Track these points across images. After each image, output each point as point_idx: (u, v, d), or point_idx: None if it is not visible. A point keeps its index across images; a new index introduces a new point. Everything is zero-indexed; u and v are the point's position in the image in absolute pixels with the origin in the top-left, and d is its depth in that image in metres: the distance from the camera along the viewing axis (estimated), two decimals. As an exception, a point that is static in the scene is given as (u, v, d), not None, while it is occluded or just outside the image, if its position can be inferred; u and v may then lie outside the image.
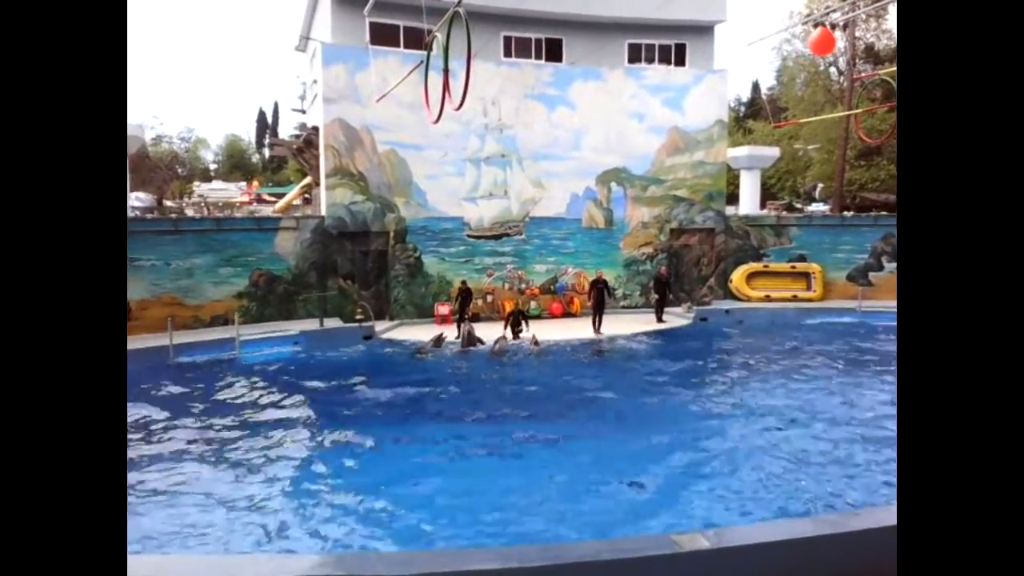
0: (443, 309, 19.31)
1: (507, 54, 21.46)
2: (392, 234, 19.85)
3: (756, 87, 54.03)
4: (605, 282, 18.96)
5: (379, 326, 18.30)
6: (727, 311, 20.85)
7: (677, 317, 20.21)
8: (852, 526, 6.03)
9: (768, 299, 21.83)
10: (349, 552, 6.50)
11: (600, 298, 18.34)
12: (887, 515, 6.30)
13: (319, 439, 10.05)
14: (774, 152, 34.48)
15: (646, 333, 18.26)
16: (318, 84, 20.71)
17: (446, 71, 8.73)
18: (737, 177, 33.34)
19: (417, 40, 18.74)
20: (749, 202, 31.67)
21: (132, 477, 8.13)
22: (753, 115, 48.58)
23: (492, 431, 10.29)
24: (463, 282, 18.57)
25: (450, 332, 17.44)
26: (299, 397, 12.34)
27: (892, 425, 9.95)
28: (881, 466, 8.63)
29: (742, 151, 32.49)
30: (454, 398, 12.46)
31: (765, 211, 32.54)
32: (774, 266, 22.69)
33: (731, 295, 22.34)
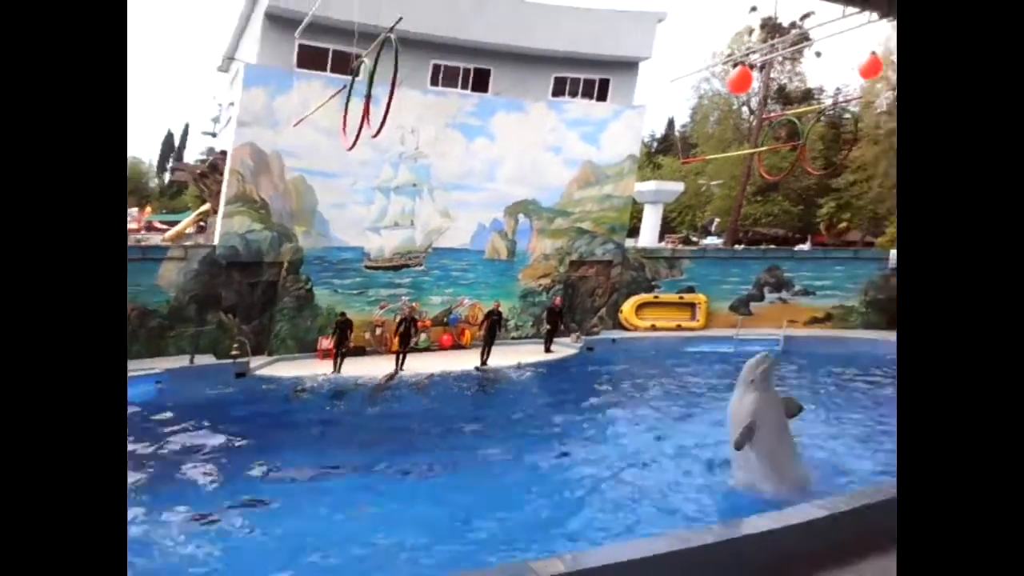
0: (326, 343, 18.67)
1: (434, 82, 20.92)
2: (286, 265, 19.15)
3: (671, 123, 56.05)
4: (500, 313, 19.28)
5: (255, 362, 17.55)
6: (613, 340, 21.70)
7: (565, 347, 20.85)
8: (702, 540, 6.50)
9: (654, 328, 22.82)
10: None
11: (492, 330, 18.66)
12: (739, 528, 6.69)
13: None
14: (679, 187, 35.82)
15: (530, 364, 18.77)
16: (234, 106, 20.01)
17: (368, 97, 8.56)
18: (641, 210, 34.64)
19: (345, 64, 17.96)
20: (649, 235, 32.64)
21: None
22: (664, 150, 50.27)
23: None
24: (342, 313, 18.03)
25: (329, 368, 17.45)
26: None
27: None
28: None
29: (649, 186, 33.51)
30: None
31: (662, 244, 33.81)
32: (663, 297, 23.64)
33: (620, 325, 23.15)
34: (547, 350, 20.31)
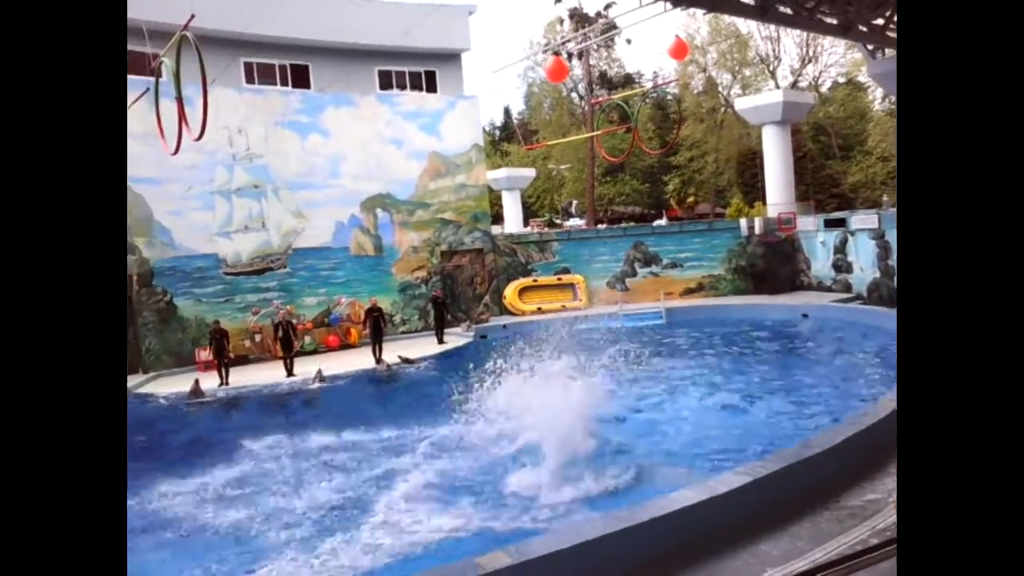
0: (204, 354, 17.56)
1: (250, 80, 20.36)
2: (136, 278, 17.89)
3: (508, 112, 56.73)
4: (380, 310, 18.45)
5: (131, 381, 16.38)
6: (504, 326, 21.30)
7: (458, 337, 20.19)
8: (636, 519, 6.15)
9: (540, 311, 22.65)
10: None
11: (376, 326, 17.80)
12: (671, 502, 6.47)
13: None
14: (530, 173, 36.26)
15: (424, 357, 17.84)
16: (25, 116, 18.06)
17: (179, 99, 8.13)
18: (500, 198, 34.58)
19: (142, 65, 17.01)
20: (513, 221, 32.95)
21: None
22: (508, 138, 50.91)
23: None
24: (216, 321, 17.03)
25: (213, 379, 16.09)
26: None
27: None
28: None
29: (501, 173, 33.80)
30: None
31: (528, 229, 34.07)
32: (542, 280, 23.66)
33: (506, 311, 22.88)
34: (440, 341, 19.49)
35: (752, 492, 6.71)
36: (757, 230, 24.27)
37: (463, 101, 22.94)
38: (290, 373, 16.39)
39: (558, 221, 41.84)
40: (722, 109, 40.35)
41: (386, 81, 22.45)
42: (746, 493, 6.66)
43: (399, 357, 17.33)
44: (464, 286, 22.73)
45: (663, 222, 34.21)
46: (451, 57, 23.28)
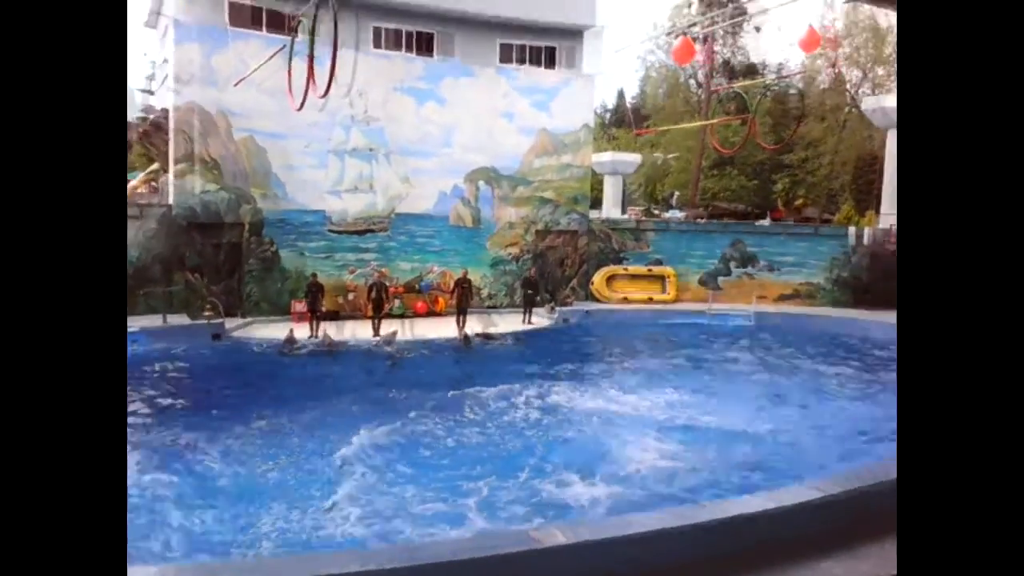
0: (300, 306, 18.36)
1: (377, 45, 20.92)
2: (247, 226, 18.87)
3: (621, 95, 55.86)
4: (469, 282, 18.86)
5: (230, 323, 17.20)
6: (587, 312, 21.32)
7: (541, 318, 20.37)
8: (698, 517, 6.19)
9: (626, 300, 22.54)
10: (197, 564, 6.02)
11: (463, 299, 18.21)
12: (733, 506, 6.50)
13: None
14: (636, 159, 35.77)
15: (511, 333, 18.17)
16: (169, 64, 19.35)
17: (311, 57, 8.57)
18: (601, 181, 34.37)
19: (281, 24, 18.05)
20: (611, 206, 32.62)
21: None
22: (618, 122, 50.21)
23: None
24: (313, 275, 17.72)
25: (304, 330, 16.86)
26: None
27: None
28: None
29: (606, 156, 33.47)
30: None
31: (626, 216, 33.72)
32: (632, 269, 23.45)
33: (592, 296, 22.88)
34: (528, 321, 19.59)
35: (820, 508, 6.65)
36: (866, 240, 23.28)
37: (579, 79, 22.85)
38: (376, 333, 16.99)
39: (656, 211, 41.15)
40: (847, 108, 38.54)
41: (507, 54, 22.55)
42: (814, 508, 6.62)
43: (477, 334, 17.67)
44: (554, 267, 22.83)
45: (766, 222, 33.15)
46: (574, 33, 23.11)
